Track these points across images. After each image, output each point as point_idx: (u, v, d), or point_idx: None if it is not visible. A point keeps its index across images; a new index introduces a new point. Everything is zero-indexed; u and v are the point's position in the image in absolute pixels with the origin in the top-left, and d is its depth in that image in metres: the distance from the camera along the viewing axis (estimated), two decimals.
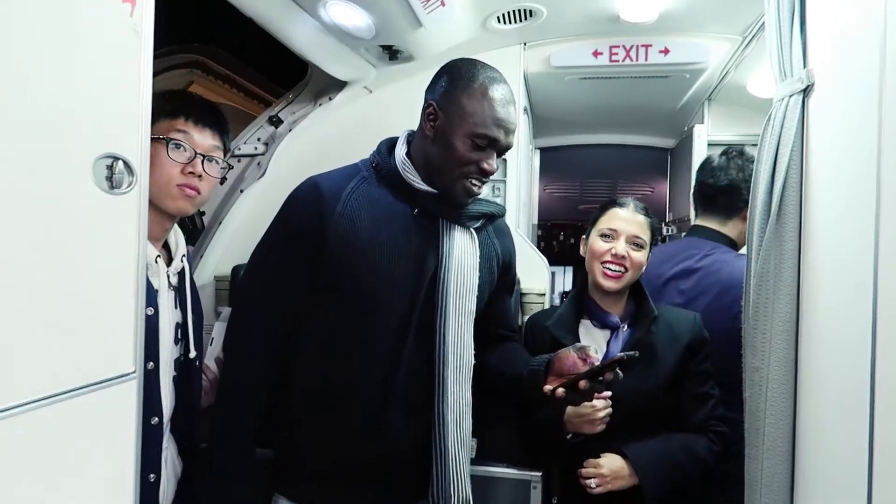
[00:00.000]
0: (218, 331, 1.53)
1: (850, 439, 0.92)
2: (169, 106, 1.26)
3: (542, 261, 2.15)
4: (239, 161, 2.35)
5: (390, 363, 1.28)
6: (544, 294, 2.12)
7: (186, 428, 1.33)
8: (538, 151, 3.66)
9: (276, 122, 2.35)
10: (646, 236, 1.58)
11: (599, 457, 1.45)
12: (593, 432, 1.43)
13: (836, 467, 0.99)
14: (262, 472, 1.33)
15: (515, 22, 2.04)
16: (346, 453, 1.30)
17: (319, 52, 1.97)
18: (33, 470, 0.75)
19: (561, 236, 3.73)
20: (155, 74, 0.91)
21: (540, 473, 1.59)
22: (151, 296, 1.19)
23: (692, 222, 2.03)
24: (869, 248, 0.89)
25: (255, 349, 1.32)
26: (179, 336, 1.30)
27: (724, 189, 1.85)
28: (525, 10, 1.98)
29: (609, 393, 1.39)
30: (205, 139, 1.29)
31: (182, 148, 1.25)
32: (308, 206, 1.29)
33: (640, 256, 1.56)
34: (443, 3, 1.74)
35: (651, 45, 2.20)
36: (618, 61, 2.23)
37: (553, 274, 2.34)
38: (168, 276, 1.27)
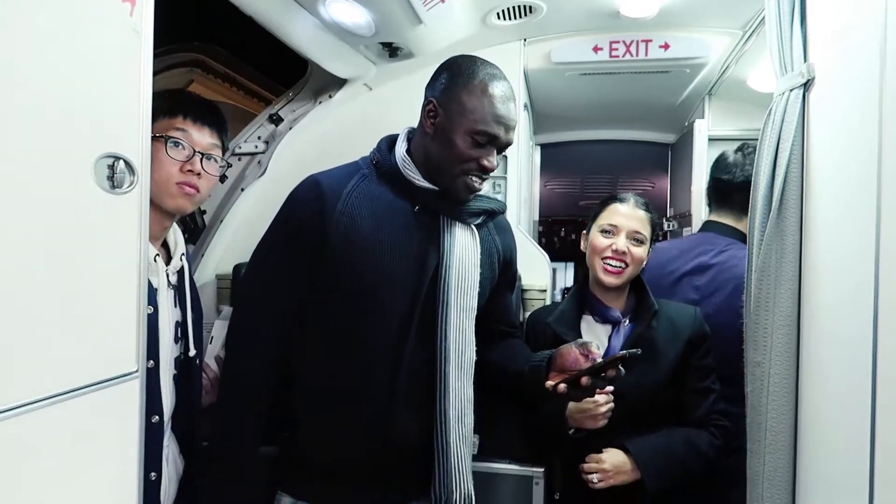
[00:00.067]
0: (217, 329, 1.53)
1: (852, 434, 0.93)
2: (167, 104, 1.26)
3: (543, 257, 2.15)
4: (239, 159, 2.35)
5: (392, 360, 1.28)
6: (545, 290, 2.12)
7: (187, 426, 1.33)
8: (539, 147, 3.66)
9: (276, 120, 2.35)
10: (646, 231, 1.58)
11: (601, 452, 1.45)
12: (595, 427, 1.43)
13: (837, 462, 0.99)
14: (264, 471, 1.34)
15: (515, 18, 2.04)
16: (348, 451, 1.30)
17: (319, 49, 1.97)
18: (38, 469, 0.76)
19: (562, 232, 3.73)
20: (155, 73, 0.92)
21: (542, 469, 1.59)
22: (151, 294, 1.20)
23: (706, 217, 2.02)
24: (870, 241, 0.89)
25: (256, 349, 1.32)
26: (179, 335, 1.31)
27: (741, 185, 1.84)
28: (525, 6, 1.97)
29: (611, 388, 1.39)
30: (203, 137, 1.29)
31: (181, 146, 1.25)
32: (309, 204, 1.29)
33: (641, 252, 1.57)
34: (442, 0, 1.74)
35: (651, 41, 2.19)
36: (618, 57, 2.23)
37: (554, 270, 2.34)
38: (167, 275, 1.27)
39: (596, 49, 2.23)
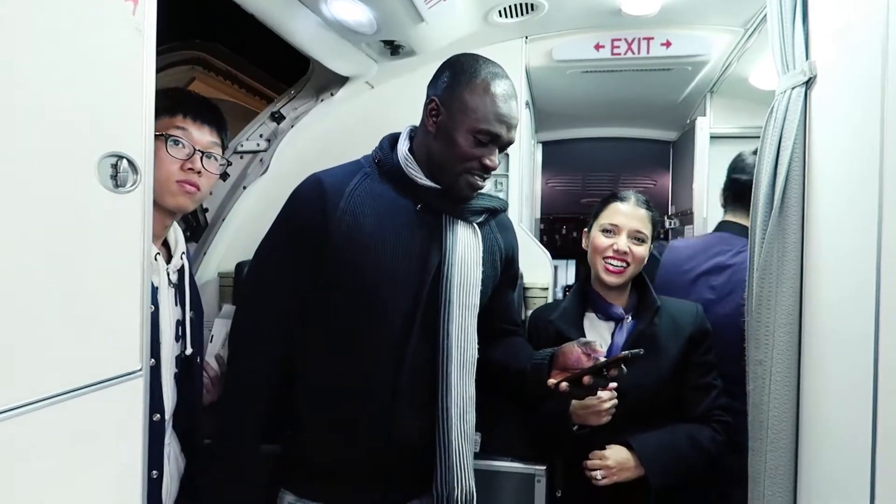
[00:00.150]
0: (218, 328, 1.53)
1: (854, 431, 0.93)
2: (167, 103, 1.26)
3: (544, 255, 2.15)
4: (241, 157, 2.35)
5: (394, 359, 1.28)
6: (547, 288, 2.12)
7: (188, 425, 1.33)
8: (540, 145, 3.66)
9: (278, 118, 2.35)
10: (647, 230, 1.58)
11: (605, 448, 1.46)
12: (599, 423, 1.43)
13: (839, 460, 1.00)
14: (266, 469, 1.34)
15: (517, 16, 2.03)
16: (351, 449, 1.30)
17: (321, 47, 1.97)
18: (42, 468, 0.76)
19: (563, 230, 3.73)
20: (157, 71, 0.92)
21: (544, 467, 1.59)
22: (152, 293, 1.20)
23: (717, 216, 2.01)
24: (872, 239, 0.89)
25: (259, 348, 1.32)
26: (180, 333, 1.31)
27: None
28: (527, 4, 1.97)
29: (615, 385, 1.39)
30: (203, 136, 1.29)
31: (181, 144, 1.26)
32: (311, 203, 1.29)
33: (642, 251, 1.57)
34: None
35: (653, 38, 2.19)
36: (620, 54, 2.22)
37: (556, 268, 2.34)
38: (168, 274, 1.28)
39: (598, 47, 2.23)
